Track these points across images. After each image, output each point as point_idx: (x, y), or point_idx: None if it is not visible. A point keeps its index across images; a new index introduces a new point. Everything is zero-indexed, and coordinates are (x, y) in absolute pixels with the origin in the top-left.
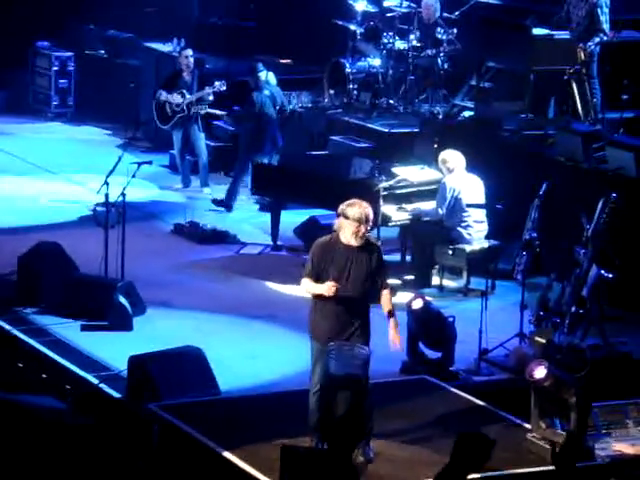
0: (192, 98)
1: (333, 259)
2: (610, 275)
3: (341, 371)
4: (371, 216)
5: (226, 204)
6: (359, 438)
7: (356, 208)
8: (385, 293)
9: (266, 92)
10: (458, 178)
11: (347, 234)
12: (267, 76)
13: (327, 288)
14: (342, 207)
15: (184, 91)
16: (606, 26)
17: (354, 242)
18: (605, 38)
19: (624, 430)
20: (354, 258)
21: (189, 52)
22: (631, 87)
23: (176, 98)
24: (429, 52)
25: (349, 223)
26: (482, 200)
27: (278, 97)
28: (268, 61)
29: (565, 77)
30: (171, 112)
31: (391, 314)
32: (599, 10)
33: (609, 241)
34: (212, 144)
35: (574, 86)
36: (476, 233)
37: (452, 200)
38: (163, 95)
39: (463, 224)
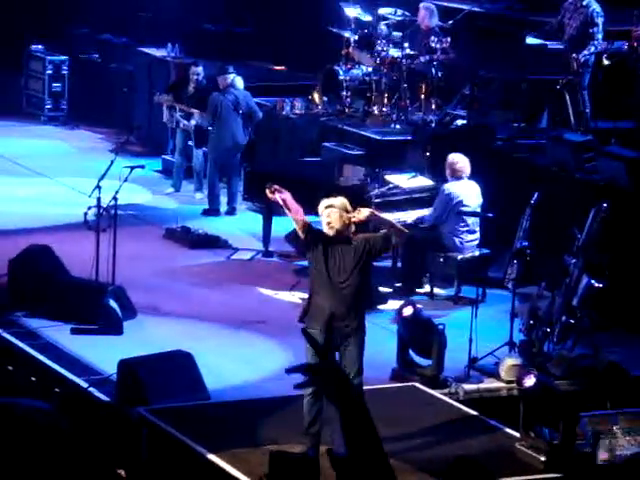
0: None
1: (325, 248)
2: (600, 285)
3: None
4: (335, 202)
5: (211, 209)
6: None
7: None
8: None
9: (229, 96)
10: (460, 185)
11: (325, 228)
12: (234, 80)
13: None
14: None
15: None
16: (600, 36)
17: (331, 233)
18: (599, 48)
19: (613, 439)
20: (342, 250)
21: (199, 69)
22: (623, 98)
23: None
24: (422, 59)
25: (320, 217)
26: (477, 207)
27: (243, 102)
28: (262, 67)
29: (558, 87)
30: (175, 122)
31: None
32: (594, 20)
33: (600, 251)
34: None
35: (567, 96)
36: (468, 242)
37: (451, 206)
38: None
39: (457, 232)
